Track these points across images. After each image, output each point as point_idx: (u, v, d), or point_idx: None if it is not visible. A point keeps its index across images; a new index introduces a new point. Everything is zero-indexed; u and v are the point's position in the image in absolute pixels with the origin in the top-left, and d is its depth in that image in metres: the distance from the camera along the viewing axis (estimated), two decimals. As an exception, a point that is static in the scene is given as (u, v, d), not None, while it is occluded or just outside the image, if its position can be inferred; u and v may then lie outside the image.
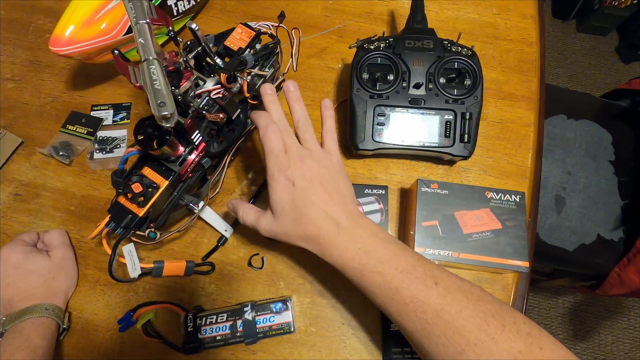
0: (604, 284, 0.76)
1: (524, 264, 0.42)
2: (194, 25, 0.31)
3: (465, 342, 0.28)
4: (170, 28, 0.30)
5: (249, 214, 0.38)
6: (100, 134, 0.52)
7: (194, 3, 0.55)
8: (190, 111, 0.35)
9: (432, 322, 0.30)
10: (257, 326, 0.41)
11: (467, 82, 0.47)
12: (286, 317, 0.41)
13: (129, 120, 0.53)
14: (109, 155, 0.51)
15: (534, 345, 0.28)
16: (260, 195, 0.49)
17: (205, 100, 0.36)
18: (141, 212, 0.36)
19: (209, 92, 0.35)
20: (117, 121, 0.53)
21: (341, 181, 0.37)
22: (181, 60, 0.32)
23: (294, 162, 0.35)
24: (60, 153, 0.50)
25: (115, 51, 0.29)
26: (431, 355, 0.30)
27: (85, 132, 0.52)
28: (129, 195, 0.36)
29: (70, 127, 0.53)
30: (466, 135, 0.46)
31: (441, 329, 0.29)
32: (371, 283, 0.33)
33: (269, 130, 0.36)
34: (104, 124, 0.53)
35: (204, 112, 0.35)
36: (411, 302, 0.31)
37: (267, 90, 0.38)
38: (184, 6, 0.54)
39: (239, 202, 0.40)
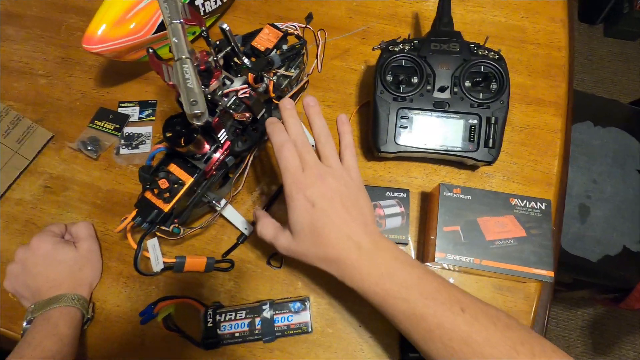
0: (629, 297, 0.74)
1: (548, 273, 0.41)
2: (224, 25, 0.32)
3: None
4: (204, 28, 0.31)
5: (267, 229, 0.38)
6: (127, 130, 0.54)
7: (220, 3, 0.56)
8: (217, 110, 0.35)
9: (459, 350, 0.29)
10: (275, 325, 0.41)
11: (494, 86, 0.47)
12: (304, 317, 0.41)
13: (154, 118, 0.55)
14: (135, 151, 0.53)
15: None
16: (279, 196, 0.49)
17: (232, 100, 0.36)
18: (167, 207, 0.36)
19: (237, 91, 0.36)
20: (143, 118, 0.55)
21: (361, 199, 0.36)
22: (211, 59, 0.33)
23: (312, 180, 0.34)
24: (89, 148, 0.52)
25: (150, 50, 0.30)
26: None
27: (112, 128, 0.54)
28: (155, 191, 0.37)
29: (98, 123, 0.54)
30: (491, 140, 0.45)
31: (468, 357, 0.29)
32: (395, 309, 0.32)
33: (284, 149, 0.35)
34: (130, 120, 0.54)
35: (231, 111, 0.35)
36: (437, 329, 0.30)
37: (287, 105, 0.37)
38: (211, 6, 0.55)
39: (260, 215, 0.40)
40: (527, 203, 0.43)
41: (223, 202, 0.44)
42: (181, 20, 0.28)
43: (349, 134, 0.39)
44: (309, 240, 0.34)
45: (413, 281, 0.32)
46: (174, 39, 0.28)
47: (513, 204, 0.43)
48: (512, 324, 0.31)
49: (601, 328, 1.16)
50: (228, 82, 0.37)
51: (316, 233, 0.34)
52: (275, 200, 0.49)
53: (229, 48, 0.35)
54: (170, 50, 0.29)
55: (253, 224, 0.48)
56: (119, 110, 0.55)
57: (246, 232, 0.47)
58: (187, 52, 0.28)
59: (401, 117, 0.47)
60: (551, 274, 0.41)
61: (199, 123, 0.27)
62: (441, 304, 0.31)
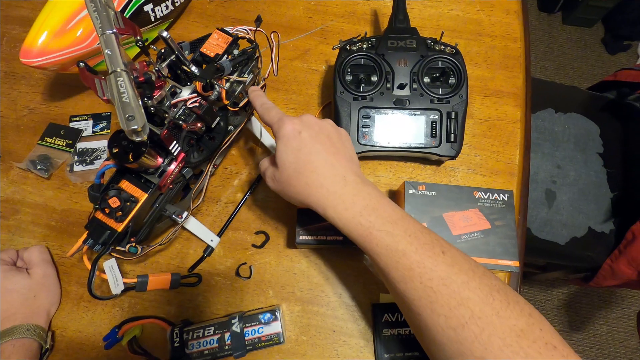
0: (597, 276, 0.76)
1: (514, 263, 0.41)
2: (165, 34, 0.30)
3: (470, 314, 0.27)
4: (139, 37, 0.29)
5: (264, 161, 0.38)
6: (80, 145, 0.51)
7: (172, 8, 0.54)
8: (166, 122, 0.34)
9: (437, 290, 0.28)
10: (246, 338, 0.40)
11: (452, 80, 0.47)
12: (275, 327, 0.40)
13: (109, 131, 0.52)
14: (90, 167, 0.50)
15: (535, 326, 0.27)
16: (245, 202, 0.48)
17: (181, 110, 0.35)
18: (120, 227, 0.35)
19: (185, 101, 0.34)
20: (96, 132, 0.52)
21: (348, 143, 0.37)
22: (154, 69, 0.31)
23: (299, 117, 0.35)
24: (39, 167, 0.49)
25: (81, 63, 0.28)
26: (430, 328, 0.29)
27: (64, 144, 0.51)
28: (107, 211, 0.35)
29: (49, 140, 0.51)
30: (452, 135, 0.46)
31: (446, 299, 0.28)
32: (378, 243, 0.31)
33: (270, 104, 0.37)
34: (83, 135, 0.52)
35: (180, 122, 0.34)
36: (417, 268, 0.29)
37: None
38: (162, 12, 0.53)
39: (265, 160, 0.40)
40: (491, 195, 0.44)
41: (185, 214, 0.42)
42: (114, 30, 0.27)
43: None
44: (293, 169, 0.34)
45: (397, 217, 0.32)
46: (107, 50, 0.26)
47: (477, 197, 0.44)
48: (489, 273, 0.30)
49: (576, 306, 1.21)
50: (178, 92, 0.36)
51: (301, 160, 0.33)
52: (242, 205, 0.48)
53: (173, 56, 0.33)
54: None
55: (219, 234, 0.47)
56: (71, 124, 0.52)
57: (212, 244, 0.46)
58: (122, 64, 0.26)
59: (363, 117, 0.46)
60: (517, 264, 0.41)
61: (138, 139, 0.26)
62: (423, 244, 0.30)
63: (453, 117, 0.46)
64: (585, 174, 0.77)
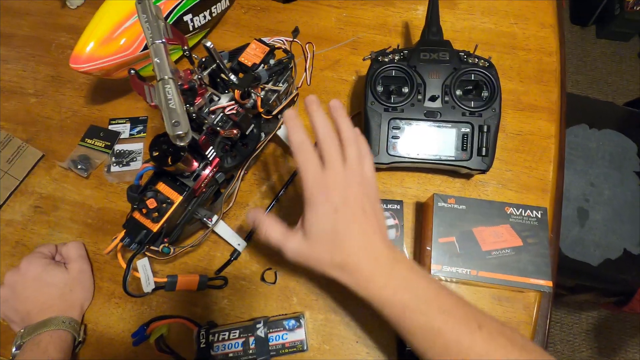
0: (632, 301, 0.73)
1: (546, 283, 0.40)
2: (209, 44, 0.32)
3: None
4: (186, 47, 0.30)
5: (274, 230, 0.35)
6: (118, 147, 0.53)
7: (209, 18, 0.56)
8: (204, 128, 0.35)
9: None
10: (270, 344, 0.40)
11: (485, 94, 0.46)
12: (299, 334, 0.40)
13: (145, 134, 0.54)
14: (126, 168, 0.52)
15: None
16: (271, 209, 0.49)
17: (219, 117, 0.36)
18: (155, 227, 0.36)
19: (223, 108, 0.36)
20: (133, 135, 0.54)
21: (378, 207, 0.35)
22: (196, 77, 0.33)
23: (336, 183, 0.33)
24: (79, 166, 0.52)
25: (132, 71, 0.29)
26: None
27: (103, 146, 0.53)
28: (144, 211, 0.36)
29: (89, 141, 0.54)
30: (484, 149, 0.45)
31: None
32: (412, 322, 0.31)
33: (304, 148, 0.33)
34: (121, 137, 0.54)
35: (218, 128, 0.35)
36: (455, 346, 0.29)
37: (312, 99, 0.35)
38: (200, 22, 0.55)
39: (262, 216, 0.36)
40: (523, 211, 0.43)
41: (215, 218, 0.43)
42: (163, 40, 0.28)
43: (347, 122, 0.36)
44: (326, 246, 0.32)
45: (431, 295, 0.31)
46: (156, 59, 0.28)
47: (508, 212, 0.43)
48: (528, 344, 0.30)
49: (606, 331, 1.14)
50: (215, 99, 0.37)
51: (336, 240, 0.32)
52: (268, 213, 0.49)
53: (214, 65, 0.34)
54: (153, 70, 0.29)
55: (246, 239, 0.47)
56: (110, 127, 0.55)
57: (239, 248, 0.47)
58: (170, 72, 0.28)
59: (393, 128, 0.46)
60: (550, 283, 0.40)
61: (182, 143, 0.27)
62: (459, 320, 0.30)
63: (485, 130, 0.45)
64: (620, 193, 0.73)
